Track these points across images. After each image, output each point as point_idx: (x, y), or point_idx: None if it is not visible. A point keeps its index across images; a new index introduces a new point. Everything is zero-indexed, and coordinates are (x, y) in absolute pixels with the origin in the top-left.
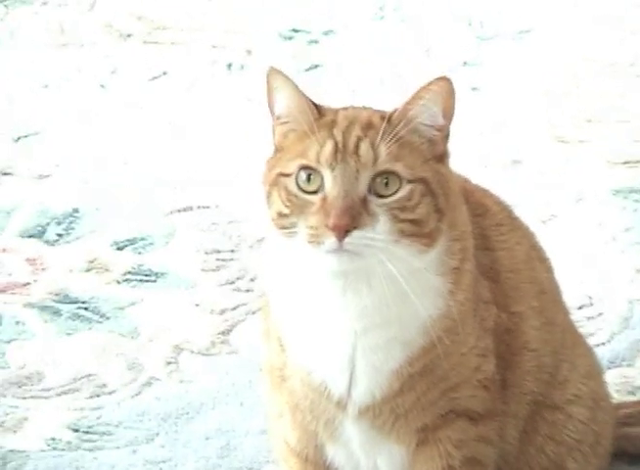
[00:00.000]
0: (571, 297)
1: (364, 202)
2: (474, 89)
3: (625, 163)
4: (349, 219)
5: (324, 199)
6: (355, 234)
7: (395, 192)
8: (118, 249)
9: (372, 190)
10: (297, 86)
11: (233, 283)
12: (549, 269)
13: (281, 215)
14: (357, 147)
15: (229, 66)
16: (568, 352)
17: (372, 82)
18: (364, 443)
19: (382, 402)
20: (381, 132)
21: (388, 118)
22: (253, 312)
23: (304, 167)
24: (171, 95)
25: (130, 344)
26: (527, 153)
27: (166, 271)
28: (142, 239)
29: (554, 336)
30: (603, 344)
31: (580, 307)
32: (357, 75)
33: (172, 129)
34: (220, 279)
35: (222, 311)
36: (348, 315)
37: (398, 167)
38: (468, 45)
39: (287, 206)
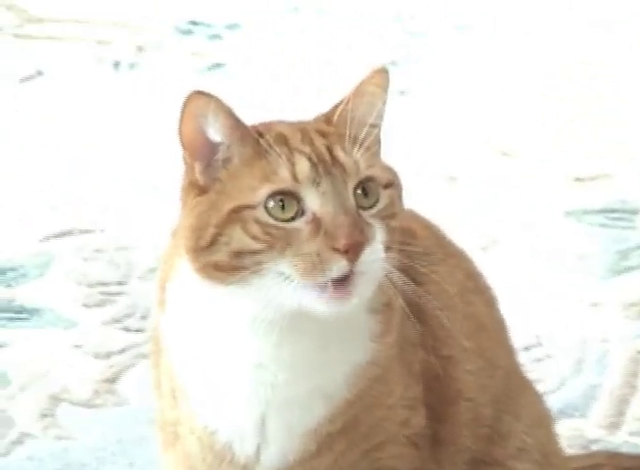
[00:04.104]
0: (515, 336)
1: (359, 215)
2: (402, 93)
3: (578, 180)
4: (361, 236)
5: (315, 221)
6: (367, 252)
7: (377, 200)
8: None
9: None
10: (232, 109)
11: (120, 321)
12: (490, 301)
13: (243, 254)
14: (334, 156)
15: (116, 64)
16: (511, 401)
17: (284, 85)
18: None
19: (295, 466)
20: (346, 136)
21: (335, 121)
22: (145, 356)
23: (276, 193)
24: (47, 99)
25: None
26: (466, 168)
27: (41, 308)
28: (12, 269)
29: (495, 381)
30: (552, 391)
31: (527, 348)
32: (266, 77)
33: (49, 139)
34: (105, 317)
35: (108, 355)
36: (275, 366)
37: (375, 172)
38: (396, 42)
39: (264, 241)
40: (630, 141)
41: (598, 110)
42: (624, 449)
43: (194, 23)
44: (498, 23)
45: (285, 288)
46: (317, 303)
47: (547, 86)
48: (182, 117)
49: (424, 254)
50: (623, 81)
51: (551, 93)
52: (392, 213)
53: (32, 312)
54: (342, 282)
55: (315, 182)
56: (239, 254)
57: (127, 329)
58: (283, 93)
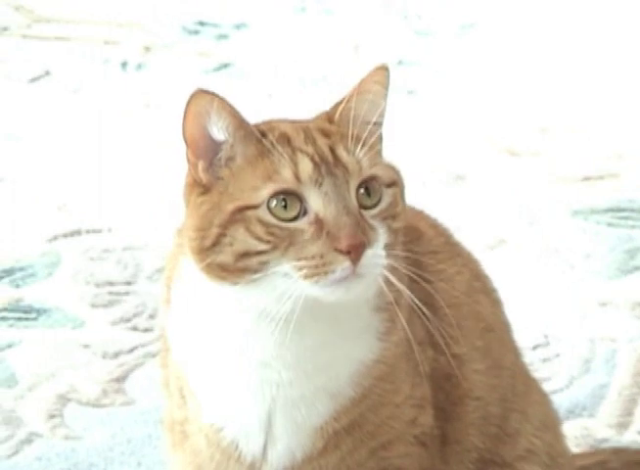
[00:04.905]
0: (523, 335)
1: (361, 216)
2: (410, 92)
3: (585, 179)
4: (363, 238)
5: (318, 222)
6: (369, 254)
7: (379, 200)
8: None
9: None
10: (235, 108)
11: (129, 321)
12: (496, 303)
13: (248, 255)
14: (337, 156)
15: (124, 65)
16: (518, 399)
17: (291, 84)
18: None
19: (302, 464)
20: (349, 136)
21: (337, 119)
22: (153, 355)
23: (279, 193)
24: (55, 99)
25: (6, 393)
26: (472, 167)
27: (50, 307)
28: (21, 269)
29: (502, 381)
30: (561, 390)
31: (534, 348)
32: (274, 76)
33: (57, 139)
34: (114, 316)
35: (116, 355)
36: (280, 364)
37: (378, 172)
38: (403, 41)
39: (267, 241)
40: (638, 140)
41: (605, 109)
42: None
43: (201, 23)
44: (504, 22)
45: (293, 283)
46: (325, 291)
47: (555, 85)
48: (185, 115)
49: (431, 252)
50: (632, 81)
51: (558, 92)
52: (395, 213)
53: (41, 312)
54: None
55: (317, 182)
56: (243, 255)
57: (135, 328)
58: (290, 93)
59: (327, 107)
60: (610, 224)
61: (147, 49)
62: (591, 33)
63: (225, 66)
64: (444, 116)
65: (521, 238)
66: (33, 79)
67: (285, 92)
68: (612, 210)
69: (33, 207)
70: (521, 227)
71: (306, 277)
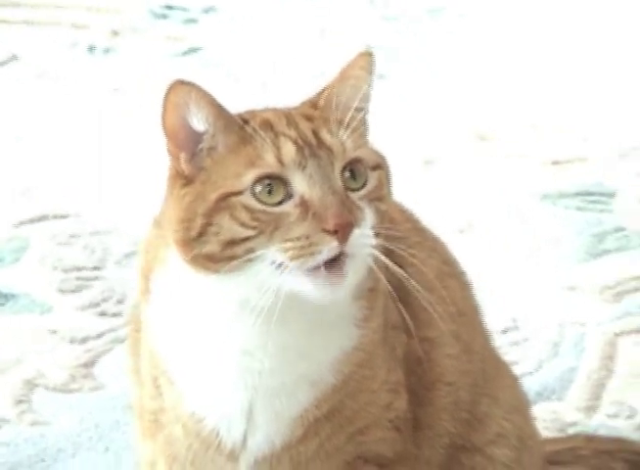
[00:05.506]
0: (492, 319)
1: (347, 196)
2: (379, 77)
3: (555, 163)
4: (350, 216)
5: (303, 204)
6: (357, 233)
7: (365, 182)
8: None
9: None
10: (214, 97)
11: (97, 306)
12: (465, 286)
13: (235, 242)
14: (320, 139)
15: (91, 49)
16: (489, 385)
17: (259, 68)
18: None
19: (281, 451)
20: (332, 120)
21: (321, 105)
22: (122, 341)
23: (262, 178)
24: (22, 83)
25: None
26: (442, 151)
27: (17, 293)
28: None
29: (473, 366)
30: (530, 373)
31: (504, 331)
32: (242, 60)
33: (23, 124)
34: (82, 302)
35: (84, 340)
36: (262, 352)
37: (363, 154)
38: (370, 25)
39: (253, 227)
40: (606, 124)
41: (575, 93)
42: (601, 432)
43: (169, 7)
44: (472, 6)
45: (277, 275)
46: (311, 288)
47: (523, 69)
48: (164, 107)
49: (402, 237)
50: (601, 65)
51: (528, 76)
52: (381, 196)
53: (8, 297)
54: (333, 264)
55: (301, 165)
56: (229, 243)
57: (103, 314)
58: (257, 75)
59: (293, 89)
60: (578, 208)
61: (115, 33)
62: (558, 15)
63: (194, 50)
64: (414, 100)
65: (490, 222)
66: (0, 63)
67: (253, 76)
68: (580, 193)
69: (0, 193)
70: (490, 211)
71: (293, 258)
